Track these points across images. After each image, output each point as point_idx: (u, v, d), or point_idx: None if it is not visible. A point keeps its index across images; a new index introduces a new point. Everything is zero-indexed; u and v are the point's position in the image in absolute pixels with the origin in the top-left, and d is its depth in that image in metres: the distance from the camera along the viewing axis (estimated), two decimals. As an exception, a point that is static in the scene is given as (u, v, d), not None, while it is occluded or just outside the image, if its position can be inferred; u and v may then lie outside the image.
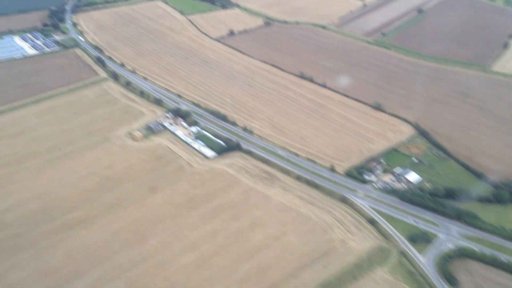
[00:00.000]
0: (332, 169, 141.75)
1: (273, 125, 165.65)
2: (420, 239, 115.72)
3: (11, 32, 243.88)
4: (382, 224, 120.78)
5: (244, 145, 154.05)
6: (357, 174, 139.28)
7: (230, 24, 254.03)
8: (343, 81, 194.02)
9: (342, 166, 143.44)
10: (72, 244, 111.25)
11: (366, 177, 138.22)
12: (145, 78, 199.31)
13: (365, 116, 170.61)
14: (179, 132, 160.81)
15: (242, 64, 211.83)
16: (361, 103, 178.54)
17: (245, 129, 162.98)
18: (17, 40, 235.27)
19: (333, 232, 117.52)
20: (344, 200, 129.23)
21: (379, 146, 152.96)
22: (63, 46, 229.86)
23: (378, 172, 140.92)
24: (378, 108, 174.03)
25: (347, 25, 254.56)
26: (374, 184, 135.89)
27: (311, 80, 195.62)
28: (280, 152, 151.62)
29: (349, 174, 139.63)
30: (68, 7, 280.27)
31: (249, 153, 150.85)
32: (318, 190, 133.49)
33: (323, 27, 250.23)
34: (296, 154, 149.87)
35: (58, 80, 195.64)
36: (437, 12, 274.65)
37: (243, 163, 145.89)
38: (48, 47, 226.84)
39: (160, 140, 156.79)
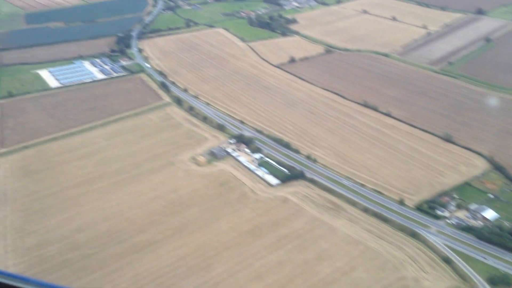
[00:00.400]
0: (401, 202, 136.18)
1: (337, 153, 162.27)
2: (501, 282, 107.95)
3: (81, 57, 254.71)
4: (458, 264, 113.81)
5: (307, 174, 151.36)
6: (429, 208, 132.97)
7: (291, 51, 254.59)
8: (409, 110, 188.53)
9: (411, 200, 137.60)
10: (139, 267, 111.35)
11: (439, 212, 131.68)
12: (207, 104, 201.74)
13: (434, 147, 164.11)
14: (242, 159, 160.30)
15: (304, 91, 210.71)
16: (429, 133, 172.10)
17: (308, 157, 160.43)
18: (87, 64, 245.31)
19: (405, 269, 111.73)
20: (415, 236, 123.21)
21: (450, 180, 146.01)
22: (129, 71, 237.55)
23: (451, 207, 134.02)
24: (448, 139, 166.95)
25: (411, 53, 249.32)
26: (448, 220, 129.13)
27: (375, 108, 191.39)
28: (345, 182, 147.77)
29: (419, 209, 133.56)
30: (134, 34, 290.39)
31: (313, 181, 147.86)
32: (387, 224, 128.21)
33: (386, 55, 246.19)
34: (362, 185, 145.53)
35: (125, 104, 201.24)
36: (506, 42, 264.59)
37: (307, 192, 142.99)
38: (115, 72, 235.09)
39: (223, 166, 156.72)
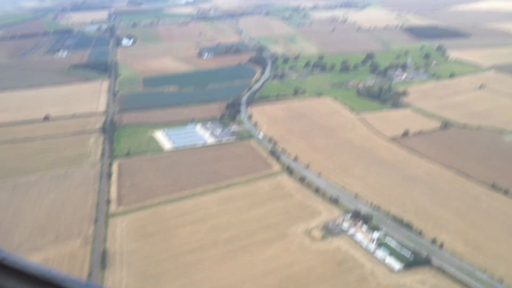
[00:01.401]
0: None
1: (467, 240, 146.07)
2: None
3: (193, 121, 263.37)
4: None
5: (434, 260, 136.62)
6: None
7: (403, 125, 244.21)
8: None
9: None
10: None
11: None
12: (319, 174, 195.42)
13: None
14: (360, 237, 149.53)
15: (422, 168, 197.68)
16: None
17: (433, 241, 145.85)
18: (199, 128, 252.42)
19: None
20: None
21: None
22: (239, 136, 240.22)
23: None
24: None
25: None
26: None
27: (506, 192, 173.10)
28: (480, 274, 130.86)
29: None
30: (243, 100, 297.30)
31: (441, 270, 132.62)
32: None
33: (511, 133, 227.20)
34: (501, 281, 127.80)
35: (235, 170, 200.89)
36: None
37: (436, 283, 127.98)
38: (226, 137, 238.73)
39: (339, 242, 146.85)
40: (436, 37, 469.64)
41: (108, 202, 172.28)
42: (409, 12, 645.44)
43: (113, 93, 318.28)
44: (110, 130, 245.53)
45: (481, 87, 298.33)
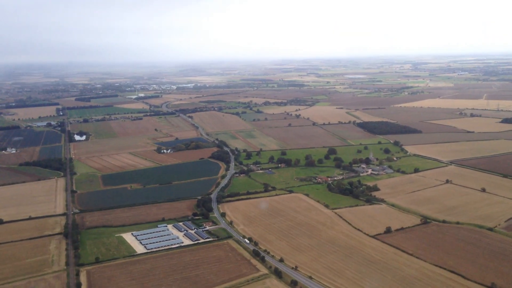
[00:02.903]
0: None
1: None
2: None
3: (164, 220, 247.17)
4: None
5: None
6: None
7: (382, 221, 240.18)
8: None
9: None
10: None
11: None
12: (310, 277, 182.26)
13: None
14: None
15: (414, 267, 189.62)
16: None
17: None
18: (171, 228, 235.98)
19: None
20: None
21: None
22: (216, 236, 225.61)
23: None
24: None
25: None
26: None
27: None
28: None
29: None
30: (213, 197, 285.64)
31: None
32: None
33: (491, 229, 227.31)
34: None
35: (219, 275, 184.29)
36: None
37: None
38: (201, 237, 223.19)
39: None
40: (389, 132, 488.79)
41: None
42: (357, 110, 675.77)
43: (71, 192, 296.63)
44: (72, 233, 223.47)
45: (447, 181, 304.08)
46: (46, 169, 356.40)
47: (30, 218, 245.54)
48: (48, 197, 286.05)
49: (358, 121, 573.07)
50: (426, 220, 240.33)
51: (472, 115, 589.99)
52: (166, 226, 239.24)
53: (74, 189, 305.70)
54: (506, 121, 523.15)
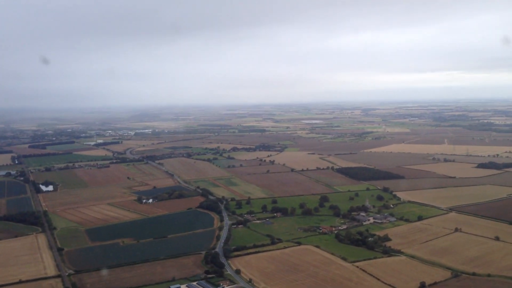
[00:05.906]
0: None
1: None
2: None
3: (174, 281, 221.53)
4: None
5: None
6: None
7: (412, 275, 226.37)
8: None
9: None
10: None
11: None
12: None
13: None
14: None
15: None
16: None
17: None
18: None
19: None
20: None
21: None
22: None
23: None
24: None
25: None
26: None
27: None
28: None
29: None
30: (219, 251, 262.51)
31: None
32: None
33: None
34: None
35: None
36: None
37: None
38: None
39: None
40: (372, 178, 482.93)
41: None
42: (330, 155, 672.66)
43: (57, 250, 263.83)
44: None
45: (456, 230, 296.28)
46: (19, 224, 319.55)
47: (21, 282, 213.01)
48: (32, 256, 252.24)
49: (335, 166, 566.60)
50: (456, 274, 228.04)
51: (445, 160, 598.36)
52: (180, 287, 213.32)
53: (60, 246, 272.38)
54: (482, 166, 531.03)
